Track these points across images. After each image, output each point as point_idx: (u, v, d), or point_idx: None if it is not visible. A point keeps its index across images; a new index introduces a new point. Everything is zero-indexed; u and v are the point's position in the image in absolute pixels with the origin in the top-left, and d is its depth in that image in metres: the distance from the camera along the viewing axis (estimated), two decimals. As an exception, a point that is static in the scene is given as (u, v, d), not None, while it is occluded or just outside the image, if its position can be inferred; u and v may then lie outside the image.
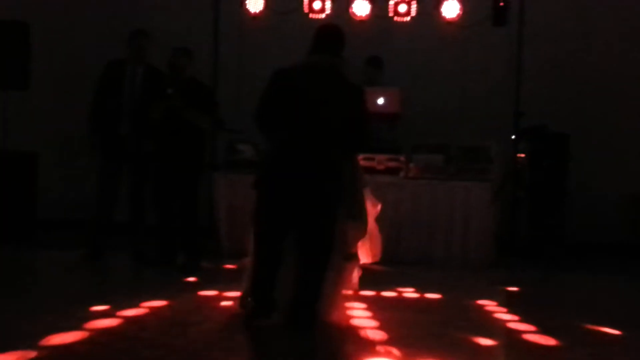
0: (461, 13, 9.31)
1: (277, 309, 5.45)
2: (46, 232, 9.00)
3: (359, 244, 5.94)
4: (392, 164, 8.29)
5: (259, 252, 5.49)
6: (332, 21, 8.88)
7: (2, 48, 8.64)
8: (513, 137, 9.06)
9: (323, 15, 9.31)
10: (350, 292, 6.05)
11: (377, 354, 4.98)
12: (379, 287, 6.80)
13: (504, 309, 6.42)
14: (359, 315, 5.90)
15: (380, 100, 8.53)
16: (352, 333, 5.47)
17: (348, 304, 6.03)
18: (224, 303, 6.18)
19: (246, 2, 9.33)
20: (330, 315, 5.61)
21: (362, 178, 6.00)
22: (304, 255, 5.43)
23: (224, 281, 6.82)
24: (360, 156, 8.13)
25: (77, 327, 5.33)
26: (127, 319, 5.65)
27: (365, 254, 6.20)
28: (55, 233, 9.01)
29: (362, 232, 5.83)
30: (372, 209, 6.28)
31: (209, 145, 8.31)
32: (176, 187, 7.53)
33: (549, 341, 5.44)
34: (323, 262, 5.42)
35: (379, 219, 7.06)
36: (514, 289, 7.41)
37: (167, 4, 9.70)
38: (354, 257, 5.81)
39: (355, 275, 6.02)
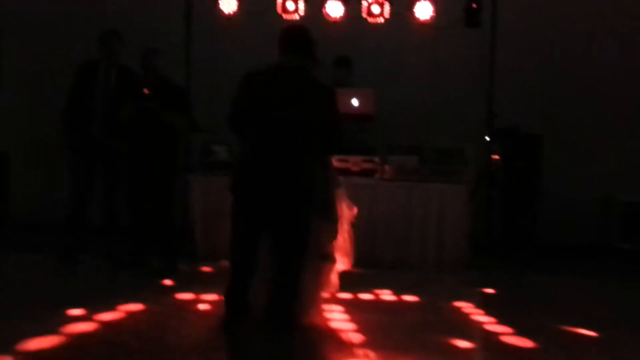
0: (434, 15, 9.34)
1: (251, 312, 5.46)
2: (17, 233, 8.87)
3: (337, 248, 5.93)
4: (367, 166, 8.28)
5: (234, 256, 5.49)
6: (305, 22, 8.95)
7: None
8: (487, 138, 9.09)
9: (296, 16, 9.30)
10: (329, 293, 6.03)
11: (355, 356, 4.99)
12: (355, 289, 6.78)
13: (481, 311, 6.44)
14: (337, 318, 5.89)
15: (354, 102, 8.52)
16: (330, 335, 5.47)
17: (325, 307, 6.02)
18: (200, 306, 6.16)
19: (219, 2, 9.28)
20: (309, 316, 5.60)
21: (335, 179, 5.98)
22: (279, 258, 5.44)
23: (201, 284, 6.81)
24: (335, 157, 8.19)
25: (52, 331, 5.29)
26: (104, 323, 5.60)
27: (342, 259, 6.15)
28: (27, 235, 8.88)
29: (334, 232, 5.82)
30: (348, 211, 6.23)
31: (183, 146, 8.25)
32: (149, 188, 7.47)
33: (526, 343, 5.48)
34: (297, 263, 5.42)
35: (354, 224, 6.99)
36: (490, 290, 7.43)
37: (137, 5, 9.60)
38: (330, 257, 5.80)
39: (335, 276, 5.99)
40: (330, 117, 5.44)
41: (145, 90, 7.29)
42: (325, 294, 5.91)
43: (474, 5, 9.10)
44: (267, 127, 5.33)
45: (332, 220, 5.73)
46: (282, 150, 5.32)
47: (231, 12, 9.37)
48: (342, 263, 6.00)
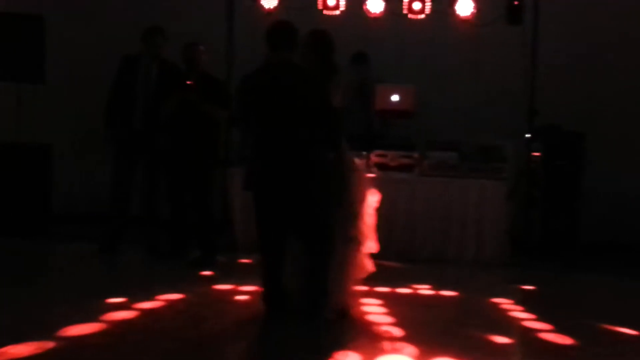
0: (475, 11, 9.29)
1: (287, 302, 5.56)
2: (61, 225, 8.99)
3: (362, 231, 5.88)
4: (405, 161, 8.26)
5: (262, 250, 5.59)
6: (345, 18, 8.97)
7: (17, 42, 8.65)
8: (527, 135, 9.02)
9: (337, 12, 9.32)
10: (363, 276, 5.96)
11: (394, 350, 4.97)
12: (393, 283, 6.79)
13: (520, 308, 6.40)
14: (375, 312, 5.90)
15: (395, 97, 8.51)
16: (368, 329, 5.47)
17: (363, 299, 6.03)
18: (238, 297, 6.20)
19: (261, -2, 9.35)
20: (341, 300, 5.61)
21: (349, 164, 5.92)
22: (305, 248, 5.54)
23: (239, 275, 6.85)
24: (373, 152, 8.19)
25: (93, 318, 5.35)
26: (143, 312, 5.66)
27: (368, 243, 6.08)
28: (69, 226, 8.99)
29: (352, 216, 5.78)
30: (370, 196, 6.13)
31: (223, 139, 8.29)
32: (189, 181, 7.53)
33: (565, 340, 5.43)
34: (323, 251, 5.49)
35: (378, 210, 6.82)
36: (530, 287, 7.38)
37: (180, 3, 9.67)
38: (354, 239, 5.76)
39: (365, 259, 5.91)
40: (322, 105, 5.53)
41: (188, 82, 7.35)
42: (358, 278, 5.88)
43: (516, 2, 9.03)
44: (267, 123, 5.53)
45: (342, 204, 5.69)
46: (282, 142, 5.48)
47: (272, 8, 9.40)
48: (368, 247, 5.93)
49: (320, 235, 5.52)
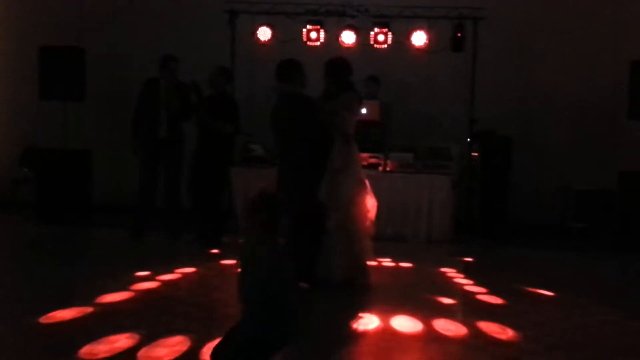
0: (427, 42, 9.27)
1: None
2: (99, 214, 8.97)
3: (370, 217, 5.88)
4: (373, 161, 8.29)
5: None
6: (324, 48, 8.94)
7: (64, 68, 8.62)
8: (468, 139, 9.06)
9: (318, 43, 9.26)
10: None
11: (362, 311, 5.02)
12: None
13: (462, 275, 6.47)
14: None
15: (364, 110, 8.51)
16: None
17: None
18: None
19: (257, 32, 9.28)
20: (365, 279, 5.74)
21: (352, 171, 5.91)
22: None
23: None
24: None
25: (124, 288, 5.39)
26: (164, 282, 5.69)
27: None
28: (106, 215, 8.97)
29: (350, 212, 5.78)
30: (371, 200, 6.08)
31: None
32: (208, 179, 7.44)
33: (497, 300, 5.52)
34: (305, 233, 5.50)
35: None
36: (469, 259, 7.43)
37: (193, 35, 9.63)
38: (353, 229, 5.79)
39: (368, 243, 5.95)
40: (304, 123, 5.64)
41: (193, 99, 7.45)
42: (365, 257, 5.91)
43: (459, 35, 9.06)
44: (275, 140, 5.86)
45: (331, 205, 5.68)
46: (282, 153, 5.79)
47: (266, 40, 9.36)
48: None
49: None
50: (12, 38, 10.15)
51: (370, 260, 5.99)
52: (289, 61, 5.92)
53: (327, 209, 5.66)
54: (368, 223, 5.87)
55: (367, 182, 6.00)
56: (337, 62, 6.06)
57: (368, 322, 4.78)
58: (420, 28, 9.19)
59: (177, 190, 7.77)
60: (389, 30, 9.20)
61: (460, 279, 6.32)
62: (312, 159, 5.67)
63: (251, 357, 3.10)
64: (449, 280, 6.34)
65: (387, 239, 7.79)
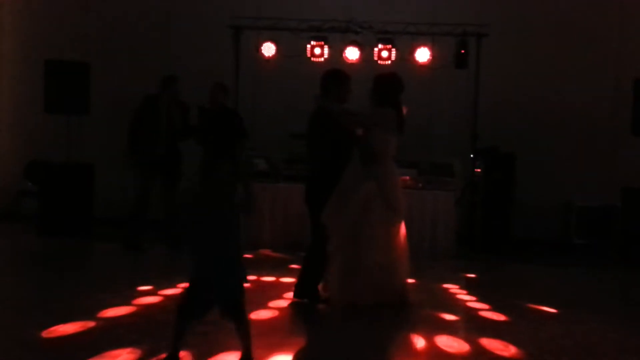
0: (431, 58, 9.30)
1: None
2: (100, 227, 8.96)
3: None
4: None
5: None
6: (328, 64, 8.94)
7: (68, 82, 8.66)
8: (471, 155, 9.06)
9: (322, 59, 9.27)
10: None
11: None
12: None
13: (464, 291, 6.44)
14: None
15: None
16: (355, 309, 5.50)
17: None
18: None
19: (262, 48, 9.32)
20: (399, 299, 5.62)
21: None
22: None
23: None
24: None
25: (126, 303, 5.35)
26: (166, 297, 5.66)
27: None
28: (107, 228, 8.96)
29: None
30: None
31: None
32: None
33: (499, 317, 5.48)
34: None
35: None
36: (472, 275, 7.40)
37: (197, 50, 9.68)
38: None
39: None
40: (323, 134, 5.60)
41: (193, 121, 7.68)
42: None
43: (462, 51, 9.08)
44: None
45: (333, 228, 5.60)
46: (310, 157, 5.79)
47: (270, 55, 9.39)
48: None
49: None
50: (18, 52, 10.23)
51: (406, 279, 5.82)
52: (329, 72, 5.81)
53: (329, 231, 5.53)
54: (402, 246, 5.75)
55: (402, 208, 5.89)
56: (387, 77, 5.95)
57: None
58: (424, 44, 9.22)
59: (174, 202, 7.82)
60: (393, 47, 9.23)
61: (463, 295, 6.29)
62: (324, 177, 5.59)
63: None
64: (451, 296, 6.31)
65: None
